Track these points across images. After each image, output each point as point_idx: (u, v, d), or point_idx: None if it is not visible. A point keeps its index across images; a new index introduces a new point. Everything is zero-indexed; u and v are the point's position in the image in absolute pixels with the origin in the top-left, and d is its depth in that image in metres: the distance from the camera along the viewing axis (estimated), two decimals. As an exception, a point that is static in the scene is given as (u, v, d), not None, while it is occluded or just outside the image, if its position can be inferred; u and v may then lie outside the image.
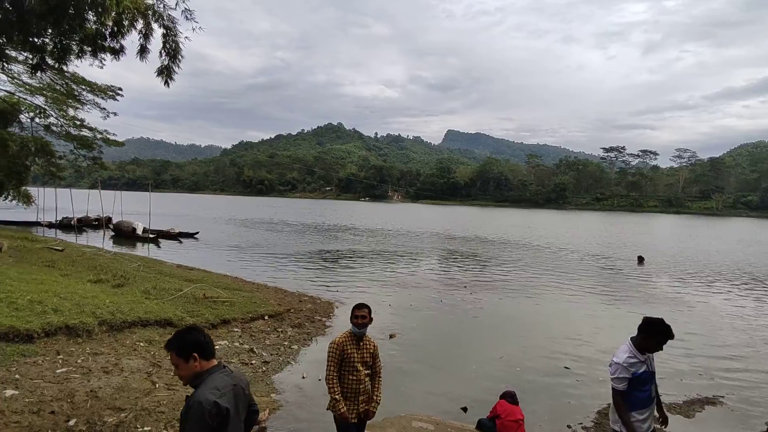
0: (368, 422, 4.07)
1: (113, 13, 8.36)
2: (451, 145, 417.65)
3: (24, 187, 27.32)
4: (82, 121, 26.58)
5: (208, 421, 2.16)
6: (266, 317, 9.68)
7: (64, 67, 12.61)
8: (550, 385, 7.16)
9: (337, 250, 23.69)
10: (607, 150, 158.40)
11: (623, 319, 11.40)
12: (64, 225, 28.67)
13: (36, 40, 9.06)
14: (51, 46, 9.19)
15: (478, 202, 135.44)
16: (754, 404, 6.79)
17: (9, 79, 21.70)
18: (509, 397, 5.31)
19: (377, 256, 21.81)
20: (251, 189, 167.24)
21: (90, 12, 8.38)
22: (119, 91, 25.60)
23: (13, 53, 14.98)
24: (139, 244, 23.95)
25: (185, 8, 9.38)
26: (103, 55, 10.23)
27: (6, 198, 26.40)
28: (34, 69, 11.27)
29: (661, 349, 3.50)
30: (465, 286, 14.81)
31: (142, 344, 7.18)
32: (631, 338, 3.56)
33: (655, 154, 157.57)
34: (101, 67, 12.15)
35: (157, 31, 9.73)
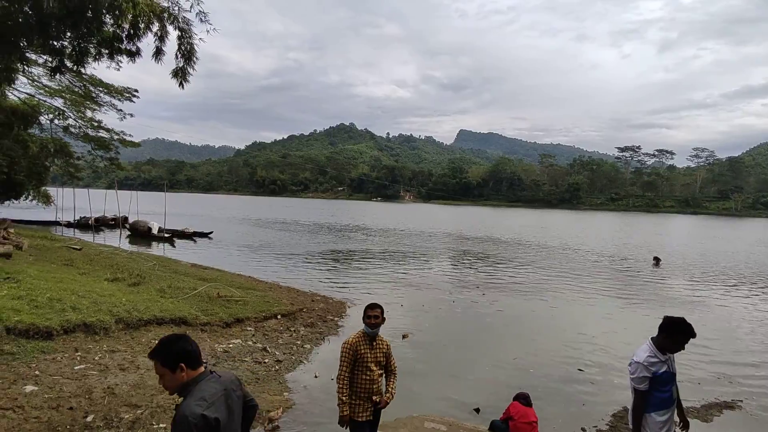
0: (380, 423, 4.08)
1: (130, 16, 8.49)
2: (463, 145, 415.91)
3: (43, 188, 27.93)
4: (99, 122, 27.08)
5: None
6: (279, 316, 9.75)
7: (82, 70, 12.84)
8: (563, 388, 7.09)
9: (350, 250, 23.75)
10: (622, 149, 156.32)
11: (639, 322, 11.24)
12: (82, 224, 29.17)
13: (55, 43, 9.24)
14: (69, 49, 9.37)
15: (491, 202, 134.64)
16: (774, 409, 6.63)
17: (29, 81, 22.17)
18: (522, 398, 5.26)
19: (389, 257, 21.81)
20: (264, 189, 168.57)
21: (107, 15, 8.52)
22: (135, 93, 26.02)
23: (33, 56, 15.30)
24: (154, 244, 24.27)
25: (199, 10, 9.49)
26: (119, 58, 10.41)
27: (26, 198, 27.00)
28: (53, 72, 11.50)
29: (683, 348, 3.43)
30: (477, 287, 14.73)
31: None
32: (652, 338, 3.51)
33: (672, 153, 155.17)
34: (118, 70, 12.36)
35: (172, 33, 9.86)
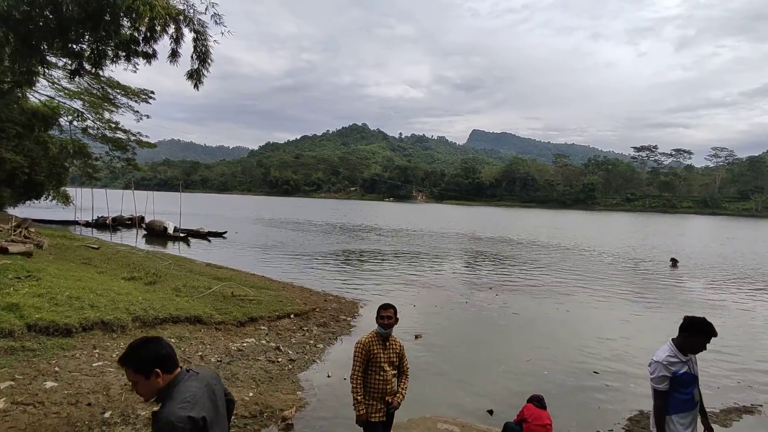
0: (393, 423, 4.07)
1: (146, 19, 8.63)
2: (476, 145, 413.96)
3: (63, 188, 28.54)
4: (116, 123, 27.59)
5: None
6: (292, 316, 9.81)
7: (100, 72, 13.07)
8: (578, 390, 7.00)
9: (362, 251, 23.79)
10: (638, 149, 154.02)
11: (656, 325, 11.05)
12: (100, 224, 29.69)
13: (74, 46, 9.43)
14: (88, 52, 9.56)
15: (504, 202, 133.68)
16: (797, 415, 6.46)
17: (50, 84, 22.65)
18: (537, 400, 5.21)
19: (402, 257, 21.79)
20: (277, 189, 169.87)
21: (125, 18, 8.67)
22: (151, 95, 26.44)
23: (53, 59, 15.63)
24: (170, 243, 24.59)
25: (214, 12, 9.60)
26: (136, 60, 10.58)
27: (46, 198, 27.61)
28: (72, 74, 11.74)
29: (704, 348, 3.37)
30: (490, 288, 14.63)
31: (173, 340, 7.37)
32: (672, 339, 3.46)
33: (690, 153, 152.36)
34: (135, 72, 12.58)
35: (188, 36, 9.99)
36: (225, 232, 28.91)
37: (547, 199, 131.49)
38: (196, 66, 10.32)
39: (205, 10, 9.60)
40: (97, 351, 6.49)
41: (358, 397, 3.77)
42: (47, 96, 23.60)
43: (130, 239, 24.57)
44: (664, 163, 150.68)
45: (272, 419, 5.32)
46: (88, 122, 26.42)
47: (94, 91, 24.71)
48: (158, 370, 2.08)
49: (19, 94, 17.91)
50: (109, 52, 9.83)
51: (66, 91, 23.86)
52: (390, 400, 3.87)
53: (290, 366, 7.17)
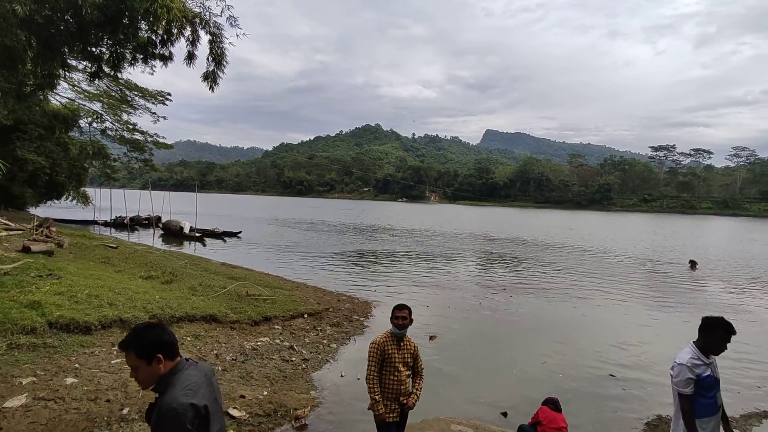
0: (407, 424, 4.07)
1: (164, 22, 8.77)
2: (489, 145, 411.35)
3: (82, 188, 29.12)
4: (134, 125, 28.08)
5: (188, 427, 1.93)
6: (306, 315, 9.86)
7: (119, 75, 13.32)
8: (594, 393, 6.91)
9: (375, 251, 23.81)
10: (655, 149, 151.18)
11: (674, 328, 10.86)
12: (118, 224, 30.18)
13: (94, 49, 9.63)
14: (107, 55, 9.75)
15: (518, 202, 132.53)
16: (823, 422, 6.28)
17: (70, 86, 23.12)
18: (552, 403, 5.16)
19: (415, 257, 21.75)
20: (291, 189, 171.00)
21: (143, 21, 8.83)
22: (168, 96, 26.84)
23: (74, 62, 15.98)
24: (186, 243, 24.91)
25: (230, 15, 9.72)
26: (153, 62, 10.75)
27: (67, 198, 28.21)
28: (92, 77, 11.96)
29: (725, 348, 3.31)
30: (504, 289, 14.52)
31: (189, 339, 7.47)
32: (694, 341, 3.40)
33: (709, 152, 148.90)
34: (152, 74, 12.79)
35: (204, 38, 10.12)
36: (240, 232, 29.19)
37: (562, 199, 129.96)
38: (211, 68, 10.45)
39: (221, 12, 9.72)
40: (116, 348, 6.60)
41: (376, 397, 3.77)
42: (68, 98, 24.14)
43: (148, 239, 24.93)
44: (683, 163, 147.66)
45: (286, 418, 5.36)
46: (107, 124, 26.96)
47: (113, 94, 25.20)
48: (160, 356, 2.04)
49: (41, 97, 18.33)
50: (128, 55, 10.02)
51: (86, 94, 24.37)
52: (405, 401, 3.87)
53: (304, 365, 7.21)
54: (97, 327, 6.94)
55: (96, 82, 20.81)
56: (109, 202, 30.13)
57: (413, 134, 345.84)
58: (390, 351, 3.83)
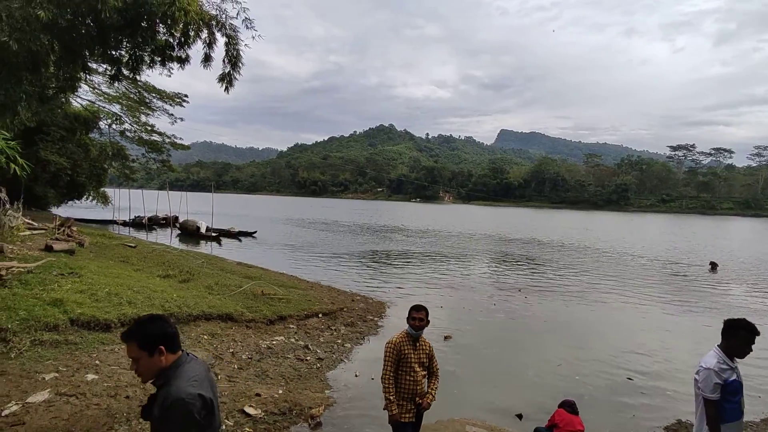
0: (422, 424, 4.06)
1: (181, 24, 8.89)
2: (504, 145, 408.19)
3: (102, 188, 29.72)
4: (152, 126, 28.54)
5: (197, 417, 1.90)
6: (320, 315, 9.91)
7: (138, 77, 13.54)
8: (611, 397, 6.80)
9: (389, 251, 23.81)
10: (674, 148, 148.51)
11: (693, 331, 10.64)
12: (137, 223, 30.69)
13: (114, 52, 9.81)
14: (126, 58, 9.93)
15: (533, 203, 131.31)
16: None
17: (91, 89, 23.61)
18: (568, 406, 5.10)
19: (428, 258, 21.69)
20: (305, 190, 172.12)
21: (161, 24, 8.97)
22: (185, 98, 27.22)
23: (94, 65, 16.31)
24: (202, 242, 25.23)
25: (246, 17, 9.81)
26: (171, 65, 10.92)
27: (87, 198, 28.82)
28: (112, 79, 12.19)
29: (750, 350, 3.25)
30: (519, 291, 14.39)
31: (205, 337, 7.57)
32: (718, 345, 3.33)
33: (730, 152, 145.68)
34: (169, 76, 12.99)
35: (220, 40, 10.25)
36: (255, 232, 29.45)
37: (577, 199, 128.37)
38: (227, 70, 10.57)
39: (237, 14, 9.82)
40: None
41: (391, 397, 3.77)
42: (88, 101, 24.66)
43: (165, 238, 25.30)
44: (703, 162, 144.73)
45: (301, 416, 5.39)
46: (126, 125, 27.48)
47: (132, 96, 25.67)
48: (162, 348, 2.00)
49: (63, 99, 18.74)
50: (146, 58, 10.18)
51: (105, 96, 24.87)
52: (420, 401, 3.86)
53: (318, 365, 7.25)
54: (117, 324, 7.07)
55: (115, 84, 21.23)
56: (127, 202, 30.66)
57: (427, 134, 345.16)
58: (406, 351, 3.82)
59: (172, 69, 11.89)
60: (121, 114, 26.56)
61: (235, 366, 6.66)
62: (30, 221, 15.44)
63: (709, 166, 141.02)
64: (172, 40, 9.77)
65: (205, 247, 22.99)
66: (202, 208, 38.32)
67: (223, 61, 10.51)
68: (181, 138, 30.64)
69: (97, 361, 6.01)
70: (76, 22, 8.36)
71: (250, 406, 5.39)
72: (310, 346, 7.96)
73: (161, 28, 9.16)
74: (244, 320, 8.65)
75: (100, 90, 24.18)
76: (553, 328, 10.56)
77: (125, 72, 11.18)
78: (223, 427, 4.92)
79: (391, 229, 39.36)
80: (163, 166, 32.41)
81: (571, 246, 29.36)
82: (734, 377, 3.21)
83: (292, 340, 8.23)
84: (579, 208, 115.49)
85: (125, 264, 12.28)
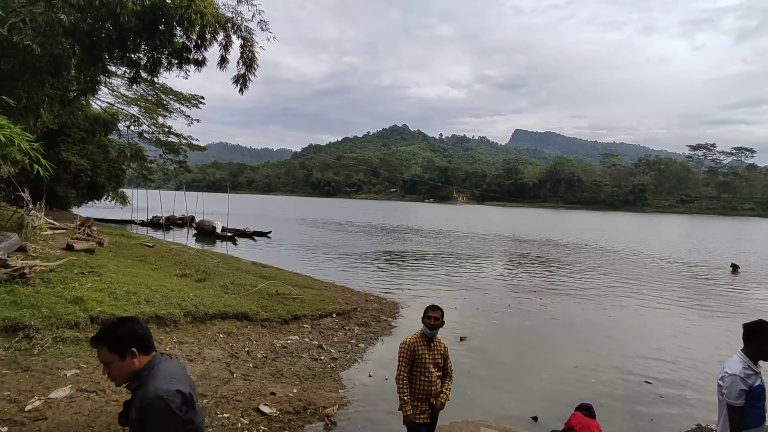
0: (436, 426, 4.05)
1: (197, 27, 9.02)
2: (518, 145, 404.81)
3: (121, 189, 30.27)
4: (169, 128, 28.99)
5: (177, 413, 1.84)
6: (334, 315, 9.94)
7: (155, 79, 13.77)
8: (629, 400, 6.69)
9: (402, 251, 23.79)
10: (693, 148, 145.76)
11: (714, 335, 10.40)
12: (154, 223, 31.17)
13: (132, 55, 10.00)
14: (144, 61, 10.11)
15: (548, 203, 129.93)
16: None
17: (110, 91, 24.06)
18: (585, 409, 5.01)
19: (442, 258, 21.61)
20: (319, 190, 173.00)
21: (178, 27, 9.11)
22: (202, 100, 27.58)
23: (113, 68, 16.65)
24: (218, 242, 25.50)
25: (261, 19, 9.91)
26: (187, 67, 11.09)
27: (106, 198, 29.39)
28: (130, 82, 12.42)
29: None
30: (534, 292, 14.25)
31: (221, 336, 7.66)
32: (741, 350, 3.26)
33: (752, 151, 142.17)
34: (186, 78, 13.18)
35: (236, 42, 10.35)
36: (270, 232, 29.69)
37: (593, 200, 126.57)
38: (242, 71, 10.68)
39: (252, 17, 9.93)
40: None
41: (405, 398, 3.76)
42: (107, 103, 25.16)
43: (182, 238, 25.67)
44: (723, 162, 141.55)
45: (315, 416, 5.42)
46: (144, 127, 27.98)
47: (150, 98, 26.12)
48: (134, 350, 1.94)
49: (83, 102, 19.17)
50: (163, 60, 10.36)
51: (124, 98, 25.36)
52: (434, 401, 3.85)
53: (332, 364, 7.28)
54: (135, 323, 7.19)
55: (134, 86, 21.61)
56: (145, 202, 31.17)
57: (440, 134, 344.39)
58: (420, 351, 3.82)
59: (189, 71, 12.08)
60: (139, 116, 27.05)
61: (251, 365, 6.73)
62: (52, 221, 15.80)
63: (730, 165, 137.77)
64: (188, 43, 9.92)
65: (221, 247, 23.24)
66: (217, 208, 38.76)
67: (238, 63, 10.62)
68: (197, 139, 31.12)
69: (116, 359, 6.11)
70: (97, 26, 8.54)
71: (265, 404, 5.43)
72: (324, 346, 7.99)
73: (178, 31, 9.31)
74: (259, 319, 8.72)
75: (119, 92, 24.69)
76: (569, 330, 10.43)
77: (143, 74, 11.39)
78: (239, 425, 4.97)
79: (405, 229, 39.32)
80: (179, 167, 32.92)
81: (587, 247, 28.98)
82: (759, 382, 3.14)
83: (307, 339, 8.27)
84: (595, 209, 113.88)
85: (143, 263, 12.48)
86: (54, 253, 10.68)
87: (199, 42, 9.73)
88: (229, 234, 27.27)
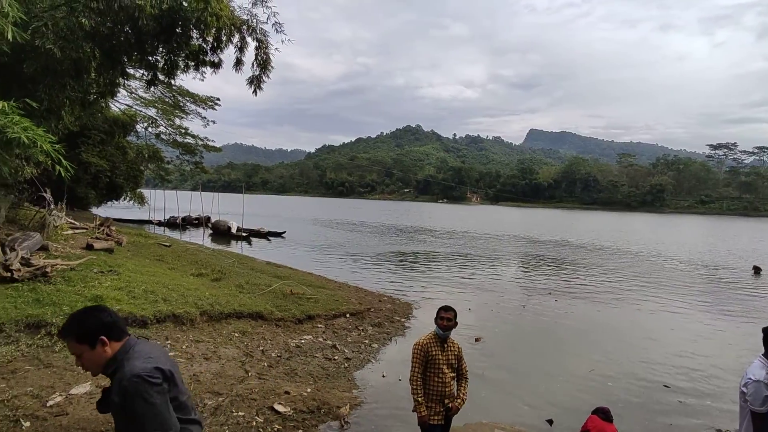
0: (450, 427, 4.03)
1: (213, 30, 9.13)
2: (533, 145, 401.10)
3: (139, 189, 30.82)
4: (186, 129, 29.42)
5: (159, 388, 1.81)
6: (348, 315, 9.97)
7: (172, 81, 13.97)
8: (647, 405, 6.57)
9: (416, 252, 23.75)
10: (714, 147, 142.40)
11: (735, 339, 10.15)
12: (171, 223, 31.61)
13: (150, 58, 10.17)
14: (161, 63, 10.27)
15: (564, 204, 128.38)
16: None
17: (128, 94, 24.53)
18: (602, 413, 4.93)
19: (456, 259, 21.52)
20: (333, 191, 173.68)
21: (194, 30, 9.24)
22: (217, 102, 27.96)
23: (132, 71, 16.94)
24: (233, 242, 25.78)
25: (275, 21, 9.98)
26: (204, 69, 11.23)
27: (125, 199, 29.95)
28: (148, 84, 12.62)
29: None
30: (549, 293, 14.10)
31: (236, 335, 7.74)
32: (763, 355, 3.18)
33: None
34: (202, 80, 13.34)
35: (251, 44, 10.45)
36: (284, 232, 29.90)
37: (610, 200, 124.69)
38: (257, 73, 10.78)
39: (267, 19, 10.01)
40: (169, 342, 6.94)
41: (419, 399, 3.76)
42: (126, 105, 25.66)
43: (198, 238, 25.98)
44: (745, 161, 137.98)
45: (329, 415, 5.44)
46: (161, 128, 28.47)
47: (167, 100, 26.57)
48: (104, 338, 1.89)
49: (103, 104, 19.55)
50: (180, 63, 10.50)
51: (142, 100, 25.84)
52: (450, 404, 3.83)
53: (346, 364, 7.30)
54: (152, 321, 7.31)
55: (152, 89, 21.98)
56: (162, 202, 31.64)
57: (454, 135, 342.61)
58: (434, 352, 3.81)
59: (205, 73, 12.22)
60: (157, 117, 27.53)
61: (265, 364, 6.78)
62: (72, 221, 16.16)
63: (752, 165, 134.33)
64: (205, 45, 10.05)
65: (236, 247, 23.48)
66: (232, 208, 39.17)
67: (253, 64, 10.71)
68: (213, 140, 31.54)
69: (134, 356, 6.21)
70: (116, 29, 8.70)
71: (280, 403, 5.47)
72: (337, 346, 8.02)
73: (195, 34, 9.44)
74: (274, 319, 8.79)
75: (137, 94, 25.16)
76: (585, 332, 10.30)
77: (161, 77, 11.55)
78: (254, 423, 5.02)
79: (419, 230, 39.24)
80: (196, 168, 33.37)
81: (603, 249, 28.57)
82: None
83: (320, 339, 8.31)
84: (612, 210, 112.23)
85: (160, 262, 12.67)
86: (74, 253, 10.91)
87: (215, 44, 9.85)
88: (244, 234, 27.54)
